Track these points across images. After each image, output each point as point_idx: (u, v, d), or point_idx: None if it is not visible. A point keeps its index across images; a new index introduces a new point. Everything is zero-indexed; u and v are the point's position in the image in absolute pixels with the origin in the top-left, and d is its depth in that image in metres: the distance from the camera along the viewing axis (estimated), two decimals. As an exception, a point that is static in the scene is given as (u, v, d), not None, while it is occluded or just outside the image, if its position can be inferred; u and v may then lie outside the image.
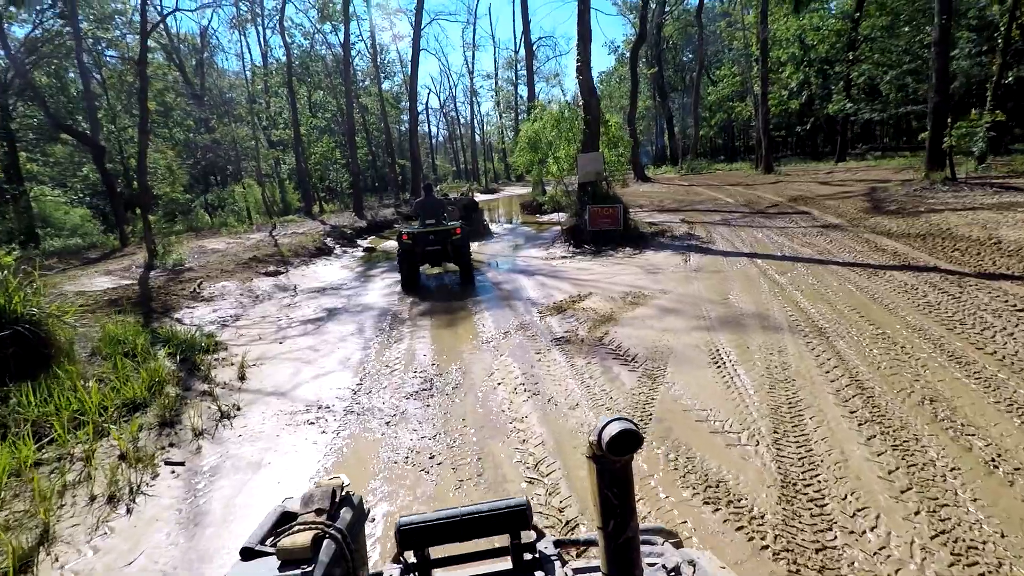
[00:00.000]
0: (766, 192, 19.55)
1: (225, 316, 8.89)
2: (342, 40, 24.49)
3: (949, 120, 13.64)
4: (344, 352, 6.68)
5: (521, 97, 58.63)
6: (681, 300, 7.33)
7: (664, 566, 1.07)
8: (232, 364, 6.34)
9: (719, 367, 5.01)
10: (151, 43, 33.17)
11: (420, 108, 57.92)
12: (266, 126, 37.04)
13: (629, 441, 0.82)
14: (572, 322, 6.88)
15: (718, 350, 5.38)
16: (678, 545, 1.24)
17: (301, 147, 32.49)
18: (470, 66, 55.22)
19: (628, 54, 33.47)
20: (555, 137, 14.31)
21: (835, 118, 33.33)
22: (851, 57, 28.94)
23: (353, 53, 33.28)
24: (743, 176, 29.05)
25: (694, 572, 1.07)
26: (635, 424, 0.83)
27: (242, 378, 5.92)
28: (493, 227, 19.88)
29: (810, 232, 11.05)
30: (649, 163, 54.58)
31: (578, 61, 13.17)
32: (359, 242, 19.44)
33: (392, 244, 18.31)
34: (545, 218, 21.10)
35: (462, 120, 71.40)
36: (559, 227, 14.83)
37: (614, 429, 0.82)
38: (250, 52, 59.48)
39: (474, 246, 15.00)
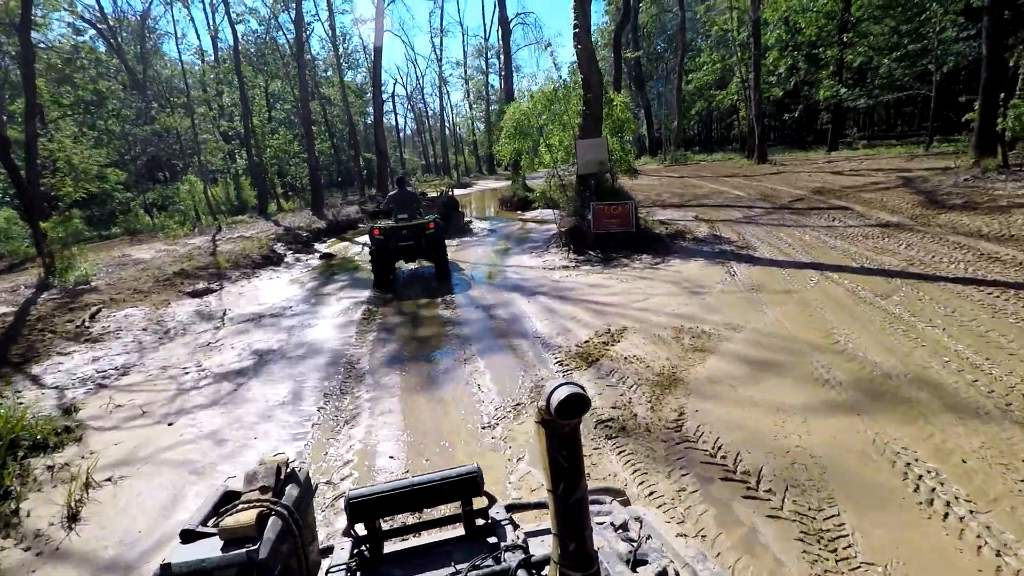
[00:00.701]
0: (775, 184, 17.58)
1: (108, 368, 6.30)
2: (294, 17, 21.59)
3: (1002, 99, 11.74)
4: (263, 446, 4.23)
5: (493, 86, 56.08)
6: (768, 343, 5.07)
7: (612, 523, 1.17)
8: (73, 479, 3.83)
9: (942, 516, 2.73)
10: (77, 22, 29.58)
11: (386, 98, 54.83)
12: (215, 116, 33.70)
13: (577, 405, 0.81)
14: (616, 386, 4.57)
15: (908, 465, 3.09)
16: (625, 503, 1.33)
17: (253, 139, 29.43)
18: (438, 53, 52.46)
19: (610, 37, 31.18)
20: (547, 120, 11.96)
21: (822, 106, 31.88)
22: (844, 40, 27.30)
23: (312, 39, 30.35)
24: (735, 167, 27.18)
25: (640, 527, 1.15)
26: (582, 388, 0.82)
27: (73, 519, 3.43)
28: (472, 225, 17.50)
29: (871, 233, 8.96)
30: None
31: (576, 27, 10.82)
32: (316, 246, 16.77)
33: (355, 249, 15.73)
34: (529, 215, 18.75)
35: (430, 112, 68.37)
36: (554, 227, 12.52)
37: (562, 393, 0.81)
38: (199, 38, 55.33)
39: (454, 250, 12.60)
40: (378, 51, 23.47)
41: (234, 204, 32.37)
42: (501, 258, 11.80)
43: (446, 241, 10.87)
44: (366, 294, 9.44)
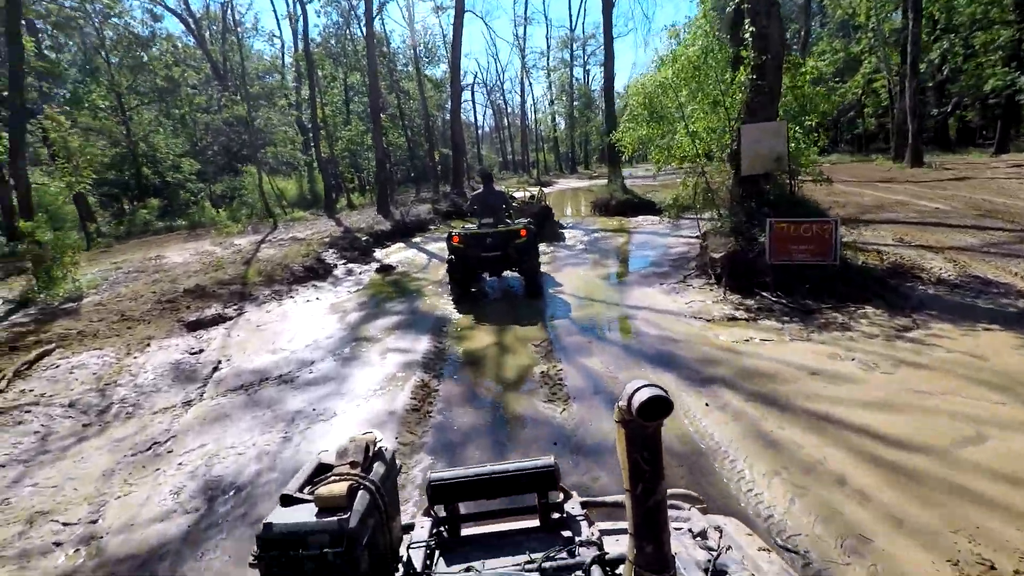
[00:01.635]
0: (971, 192, 13.09)
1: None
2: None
3: None
4: None
5: (577, 79, 52.52)
6: None
7: (691, 530, 1.14)
8: None
9: None
10: (156, 7, 28.68)
11: (465, 94, 52.51)
12: (288, 106, 32.19)
13: (660, 407, 0.80)
14: None
15: None
16: (704, 511, 1.28)
17: (324, 130, 27.47)
18: (521, 43, 49.23)
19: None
20: (690, 96, 8.38)
21: (988, 98, 26.08)
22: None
23: (392, 36, 28.08)
24: (881, 170, 22.29)
25: (720, 537, 1.11)
26: (665, 391, 0.81)
27: None
28: (564, 232, 14.17)
29: None
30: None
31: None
32: (376, 253, 13.97)
33: (420, 259, 12.75)
34: (634, 222, 15.16)
35: (510, 108, 65.61)
36: (678, 244, 9.00)
37: (645, 395, 0.80)
38: (279, 27, 55.13)
39: (546, 266, 9.35)
40: (457, 30, 20.58)
41: (307, 198, 30.73)
42: (615, 288, 8.37)
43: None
44: (424, 345, 6.29)
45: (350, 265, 12.10)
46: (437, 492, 1.22)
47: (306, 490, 1.03)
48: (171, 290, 8.68)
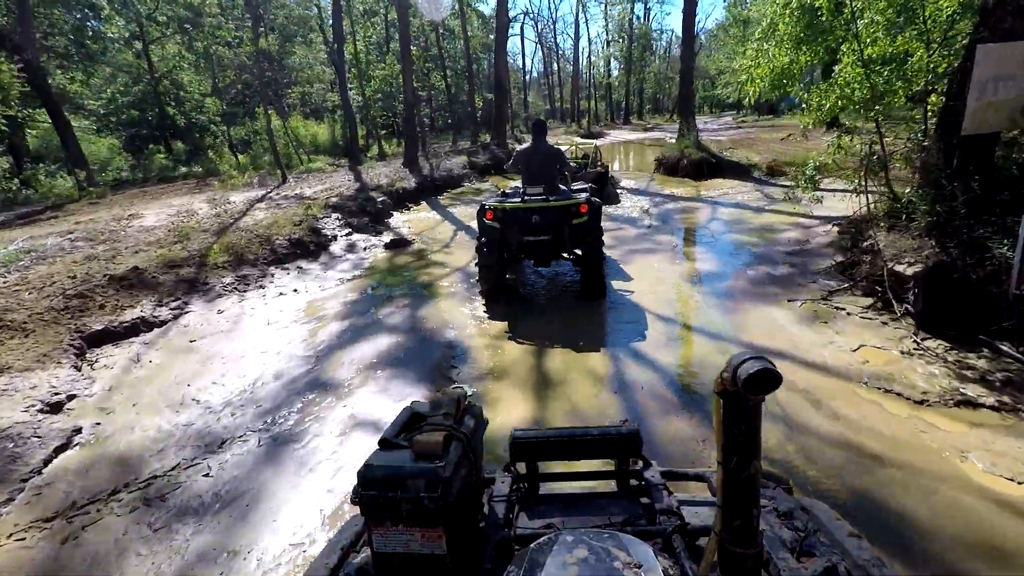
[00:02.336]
0: None
1: None
2: None
3: None
4: None
5: (637, 17, 47.39)
6: None
7: (776, 509, 1.11)
8: None
9: None
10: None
11: (513, 31, 48.11)
12: (324, 41, 29.30)
13: (767, 381, 0.76)
14: None
15: None
16: (789, 491, 1.25)
17: (354, 70, 24.64)
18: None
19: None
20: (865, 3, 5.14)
21: None
22: None
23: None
24: None
25: (808, 519, 1.08)
26: (772, 364, 0.76)
27: None
28: (625, 202, 11.21)
29: None
30: (795, 105, 42.67)
31: None
32: (392, 218, 11.41)
33: (444, 230, 10.13)
34: (715, 190, 12.02)
35: (561, 52, 60.69)
36: (792, 229, 6.14)
37: (752, 367, 0.76)
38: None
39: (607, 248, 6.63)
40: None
41: (340, 144, 28.18)
42: (715, 303, 5.54)
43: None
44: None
45: (355, 237, 9.58)
46: (519, 449, 1.24)
47: (401, 437, 1.04)
48: (97, 274, 6.36)
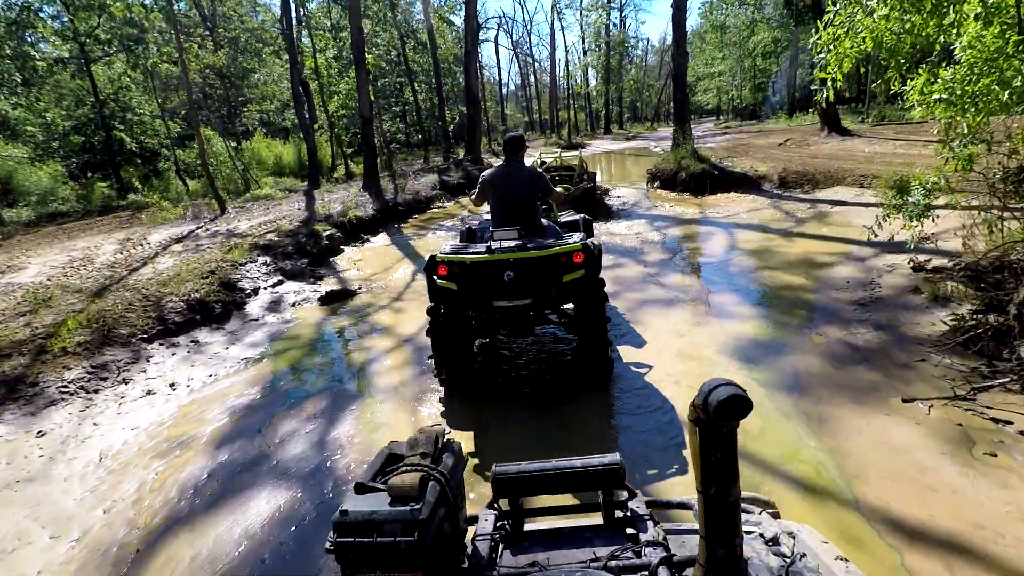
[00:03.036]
0: None
1: None
2: None
3: None
4: None
5: (614, 25, 46.15)
6: None
7: (762, 535, 1.08)
8: None
9: None
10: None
11: (488, 47, 46.49)
12: (275, 53, 27.25)
13: (738, 407, 0.76)
14: None
15: None
16: (776, 516, 1.24)
17: (316, 84, 22.66)
18: (551, -16, 42.84)
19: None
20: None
21: None
22: None
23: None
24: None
25: (794, 543, 1.05)
26: (743, 390, 0.77)
27: None
28: (615, 226, 9.27)
29: None
30: (776, 110, 41.60)
31: None
32: (337, 258, 9.40)
33: (404, 269, 8.15)
34: (723, 209, 10.15)
35: (538, 64, 59.30)
36: (883, 267, 4.21)
37: (722, 394, 0.76)
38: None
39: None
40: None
41: (306, 164, 25.92)
42: (788, 402, 3.60)
43: None
44: None
45: (285, 287, 7.54)
46: (501, 485, 1.21)
47: (378, 479, 1.02)
48: None
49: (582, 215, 5.44)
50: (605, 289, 3.90)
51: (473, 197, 4.55)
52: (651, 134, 41.70)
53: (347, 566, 0.94)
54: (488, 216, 4.55)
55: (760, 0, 40.41)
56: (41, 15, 21.33)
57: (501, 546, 1.19)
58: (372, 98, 14.78)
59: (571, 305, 4.00)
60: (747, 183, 11.94)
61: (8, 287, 7.17)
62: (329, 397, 4.39)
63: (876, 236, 4.52)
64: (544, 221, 4.49)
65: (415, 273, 7.97)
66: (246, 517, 3.00)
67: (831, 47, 3.57)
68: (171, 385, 4.80)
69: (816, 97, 4.16)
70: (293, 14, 19.27)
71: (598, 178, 10.80)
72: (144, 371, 5.08)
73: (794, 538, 1.07)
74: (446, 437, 1.14)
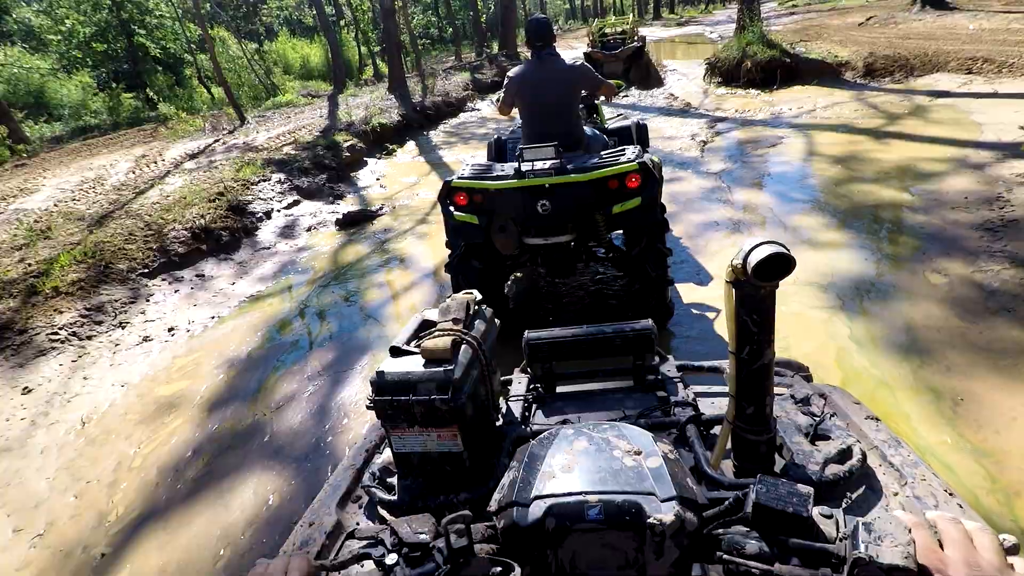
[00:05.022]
0: None
1: None
2: None
3: None
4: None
5: None
6: None
7: (793, 396, 1.10)
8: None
9: None
10: None
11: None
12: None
13: (779, 266, 0.74)
14: None
15: None
16: (808, 379, 1.24)
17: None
18: None
19: None
20: None
21: None
22: None
23: None
24: None
25: (825, 404, 1.07)
26: (786, 248, 0.73)
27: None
28: (669, 126, 8.01)
29: None
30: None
31: None
32: (359, 173, 8.62)
33: (430, 183, 7.35)
34: (796, 100, 8.65)
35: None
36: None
37: (764, 252, 0.73)
38: None
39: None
40: None
41: (327, 68, 24.48)
42: (905, 371, 2.77)
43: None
44: None
45: (300, 208, 6.89)
46: (534, 351, 1.24)
47: (412, 343, 1.04)
48: None
49: (636, 119, 4.46)
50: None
51: (499, 103, 3.66)
52: (705, 18, 37.48)
53: (387, 421, 0.97)
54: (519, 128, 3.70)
55: None
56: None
57: (534, 406, 1.22)
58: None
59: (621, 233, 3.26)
60: (825, 72, 10.25)
61: (16, 214, 6.76)
62: (337, 348, 3.81)
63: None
64: (588, 130, 3.67)
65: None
66: (228, 514, 2.51)
67: None
68: (170, 330, 4.31)
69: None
70: None
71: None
72: (143, 312, 4.61)
73: (825, 399, 1.09)
74: (476, 305, 1.13)
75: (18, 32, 20.64)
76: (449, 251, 3.27)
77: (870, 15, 17.12)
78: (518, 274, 3.05)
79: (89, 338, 4.23)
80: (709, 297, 3.71)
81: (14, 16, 21.55)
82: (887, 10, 17.55)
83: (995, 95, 7.38)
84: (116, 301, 4.66)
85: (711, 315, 3.50)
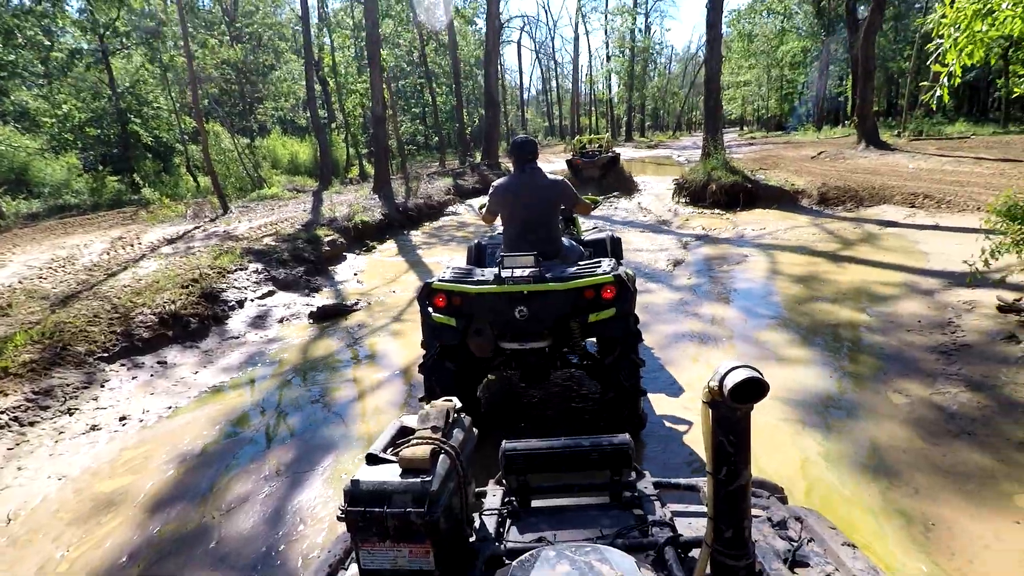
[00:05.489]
0: None
1: None
2: None
3: None
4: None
5: (640, 31, 45.31)
6: None
7: (770, 519, 1.10)
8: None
9: None
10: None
11: (510, 49, 45.88)
12: (293, 51, 26.79)
13: (753, 389, 0.76)
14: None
15: None
16: (783, 501, 1.23)
17: (331, 83, 22.16)
18: (576, -13, 42.23)
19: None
20: None
21: None
22: None
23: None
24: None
25: (802, 528, 1.06)
26: (760, 372, 0.77)
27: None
28: (640, 240, 8.41)
29: None
30: (803, 121, 40.46)
31: None
32: (337, 267, 8.71)
33: (408, 281, 7.42)
34: (758, 223, 9.24)
35: (560, 69, 58.48)
36: (977, 307, 3.42)
37: (739, 376, 0.76)
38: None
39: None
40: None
41: (314, 166, 25.40)
42: (873, 492, 2.77)
43: None
44: None
45: (275, 299, 6.85)
46: (510, 462, 1.22)
47: (389, 451, 1.03)
48: None
49: (610, 233, 4.67)
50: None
51: (482, 211, 3.79)
52: (673, 143, 40.74)
53: (358, 534, 0.94)
54: (501, 231, 3.85)
55: (789, 9, 39.44)
56: (66, 4, 21.01)
57: (508, 521, 1.20)
58: (387, 97, 14.13)
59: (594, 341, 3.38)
60: (783, 198, 11.07)
61: (-23, 288, 6.56)
62: (298, 447, 3.64)
63: (981, 274, 3.65)
64: (565, 240, 3.81)
65: (406, 305, 7.23)
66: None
67: (955, 29, 2.72)
68: (121, 419, 4.09)
69: (923, 97, 3.35)
70: (312, 7, 18.76)
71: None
72: (95, 398, 4.38)
73: (802, 523, 1.08)
74: (456, 413, 1.12)
75: (12, 112, 21.09)
76: (424, 351, 3.27)
77: (821, 150, 18.86)
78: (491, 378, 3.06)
79: (32, 424, 3.98)
80: (679, 409, 3.73)
81: (11, 98, 22.12)
82: (836, 147, 19.38)
83: (937, 227, 8.02)
84: (68, 385, 4.44)
85: (682, 427, 3.50)
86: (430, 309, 3.10)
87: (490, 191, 3.66)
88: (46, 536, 2.89)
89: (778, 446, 3.21)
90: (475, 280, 3.03)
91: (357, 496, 0.94)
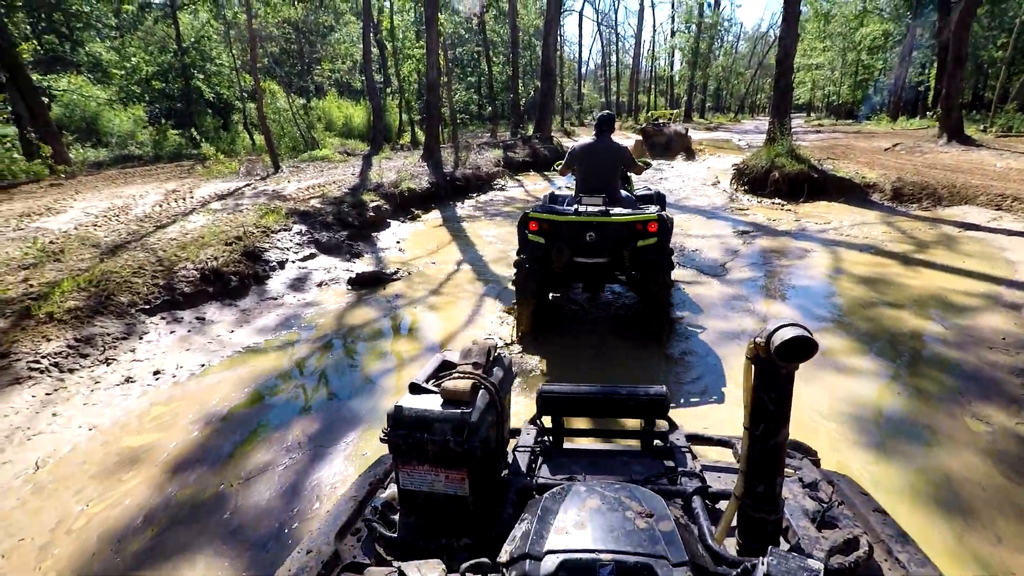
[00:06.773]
0: None
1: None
2: None
3: None
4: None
5: (708, 5, 43.16)
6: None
7: (801, 480, 1.09)
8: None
9: None
10: None
11: (570, 18, 44.48)
12: (355, 15, 26.68)
13: (801, 348, 0.75)
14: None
15: None
16: (816, 464, 1.23)
17: (388, 48, 22.00)
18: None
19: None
20: None
21: None
22: None
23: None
24: None
25: (833, 491, 1.06)
26: (809, 331, 0.75)
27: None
28: (694, 225, 8.00)
29: None
30: (876, 110, 37.95)
31: None
32: (380, 234, 8.63)
33: (451, 252, 7.27)
34: (824, 217, 8.64)
35: (622, 44, 56.59)
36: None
37: (787, 334, 0.75)
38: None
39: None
40: None
41: (367, 130, 25.47)
42: (947, 534, 2.46)
43: None
44: None
45: (315, 262, 6.82)
46: (545, 403, 1.23)
47: (431, 382, 1.04)
48: None
49: (656, 190, 5.69)
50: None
51: (560, 166, 5.04)
52: (734, 126, 39.00)
53: (399, 456, 0.98)
54: (566, 190, 5.25)
55: (873, -12, 36.70)
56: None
57: (540, 459, 1.21)
58: (443, 63, 13.86)
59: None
60: (852, 191, 10.32)
61: (35, 232, 6.77)
62: (324, 418, 3.55)
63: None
64: (623, 193, 4.84)
65: (460, 263, 7.06)
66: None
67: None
68: (155, 373, 4.10)
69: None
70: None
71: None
72: (133, 350, 4.42)
73: (833, 486, 1.07)
74: (497, 351, 1.11)
75: (86, 63, 21.83)
76: (516, 266, 4.27)
77: (896, 142, 17.55)
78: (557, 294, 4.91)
79: (71, 371, 4.03)
80: (723, 420, 3.44)
81: (87, 49, 22.88)
82: (913, 139, 18.02)
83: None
84: (108, 335, 4.50)
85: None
86: (526, 232, 4.14)
87: (569, 151, 4.82)
88: (69, 488, 2.89)
89: (838, 468, 2.90)
90: (559, 212, 4.11)
91: (400, 420, 0.97)
